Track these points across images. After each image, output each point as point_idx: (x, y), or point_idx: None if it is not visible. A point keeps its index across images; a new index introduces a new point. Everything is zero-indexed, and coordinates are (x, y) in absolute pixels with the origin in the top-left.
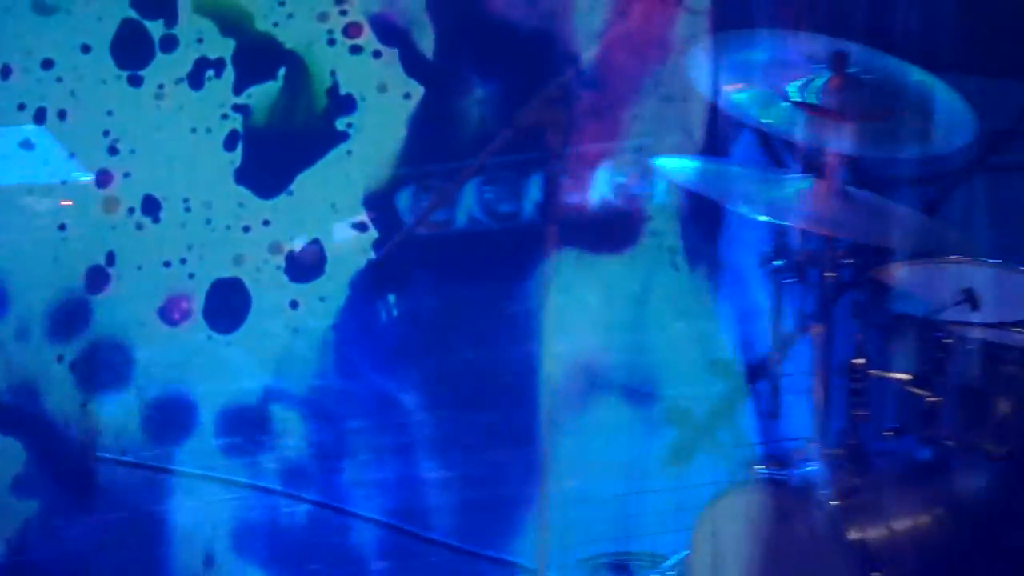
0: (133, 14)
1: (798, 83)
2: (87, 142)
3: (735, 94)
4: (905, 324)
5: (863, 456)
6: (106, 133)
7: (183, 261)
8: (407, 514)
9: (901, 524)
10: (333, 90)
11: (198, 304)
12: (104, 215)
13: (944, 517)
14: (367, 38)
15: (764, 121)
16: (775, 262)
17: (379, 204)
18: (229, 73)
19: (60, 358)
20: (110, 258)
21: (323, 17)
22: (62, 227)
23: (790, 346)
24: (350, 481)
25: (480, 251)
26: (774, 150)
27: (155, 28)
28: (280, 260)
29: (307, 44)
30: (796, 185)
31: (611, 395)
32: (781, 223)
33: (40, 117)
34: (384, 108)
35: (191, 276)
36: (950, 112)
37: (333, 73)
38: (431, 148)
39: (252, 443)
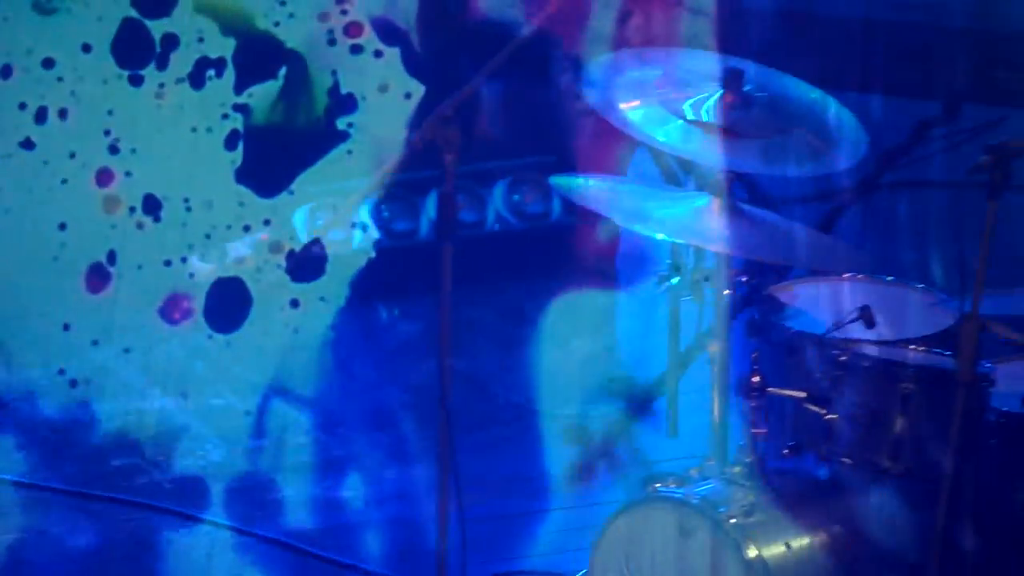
0: (134, 13)
1: (692, 101)
2: (88, 141)
3: (630, 112)
4: (802, 342)
5: (761, 474)
6: (107, 132)
7: (184, 260)
8: (306, 534)
9: (799, 541)
10: (334, 90)
11: (199, 304)
12: (105, 214)
13: (842, 534)
14: (368, 38)
15: (659, 138)
16: (671, 280)
17: (279, 221)
18: (230, 72)
19: None
20: (111, 257)
21: (324, 17)
22: (63, 226)
23: (687, 364)
24: (251, 500)
25: (378, 270)
26: (669, 168)
27: (156, 27)
28: (280, 259)
29: (308, 44)
30: (691, 203)
31: (510, 413)
32: (677, 241)
33: (41, 116)
34: (385, 108)
35: (191, 276)
36: (844, 130)
37: (334, 73)
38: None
39: (149, 463)
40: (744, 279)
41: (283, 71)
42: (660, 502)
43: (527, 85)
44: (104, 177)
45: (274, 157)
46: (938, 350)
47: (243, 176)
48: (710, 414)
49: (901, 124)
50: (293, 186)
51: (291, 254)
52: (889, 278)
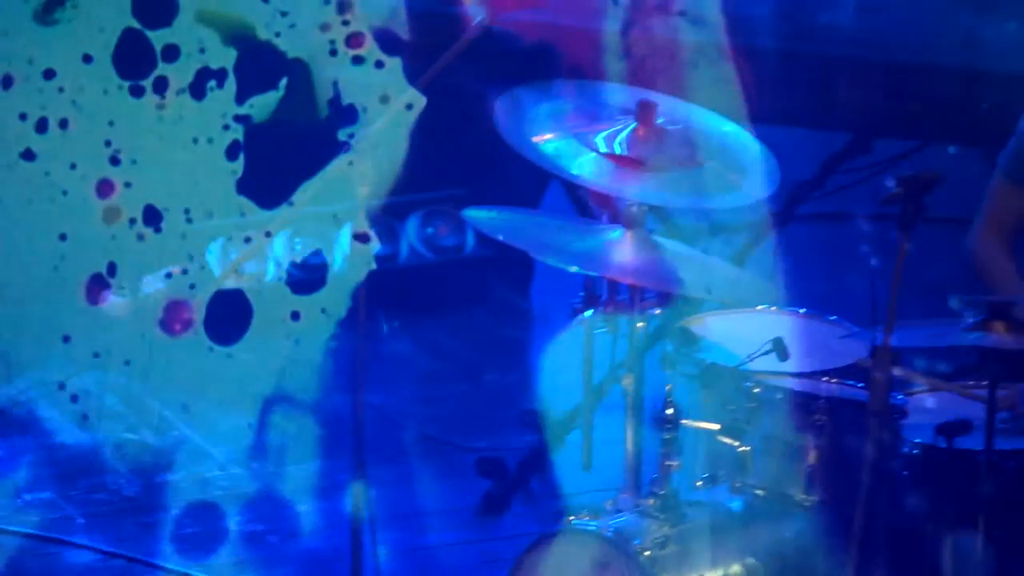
0: (135, 24)
1: (605, 133)
2: (89, 152)
3: (543, 144)
4: (715, 374)
5: (675, 506)
6: (108, 143)
7: (184, 271)
8: (219, 569)
9: (714, 574)
10: (335, 100)
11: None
12: (105, 225)
13: (756, 566)
14: (369, 48)
15: (572, 171)
16: (585, 312)
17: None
18: (231, 83)
19: None
20: (111, 268)
21: (325, 27)
22: (63, 237)
23: (601, 397)
24: (162, 535)
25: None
26: (582, 200)
27: (157, 38)
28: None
29: (309, 54)
30: (605, 235)
31: (424, 446)
32: (590, 273)
33: (42, 127)
34: (386, 119)
35: (192, 287)
36: (756, 162)
37: (335, 83)
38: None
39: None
40: (657, 311)
41: (284, 81)
42: (574, 535)
43: (441, 117)
44: (105, 188)
45: (275, 168)
46: (850, 382)
47: (244, 187)
48: (624, 446)
49: (813, 156)
50: (294, 197)
51: (291, 266)
52: (802, 310)
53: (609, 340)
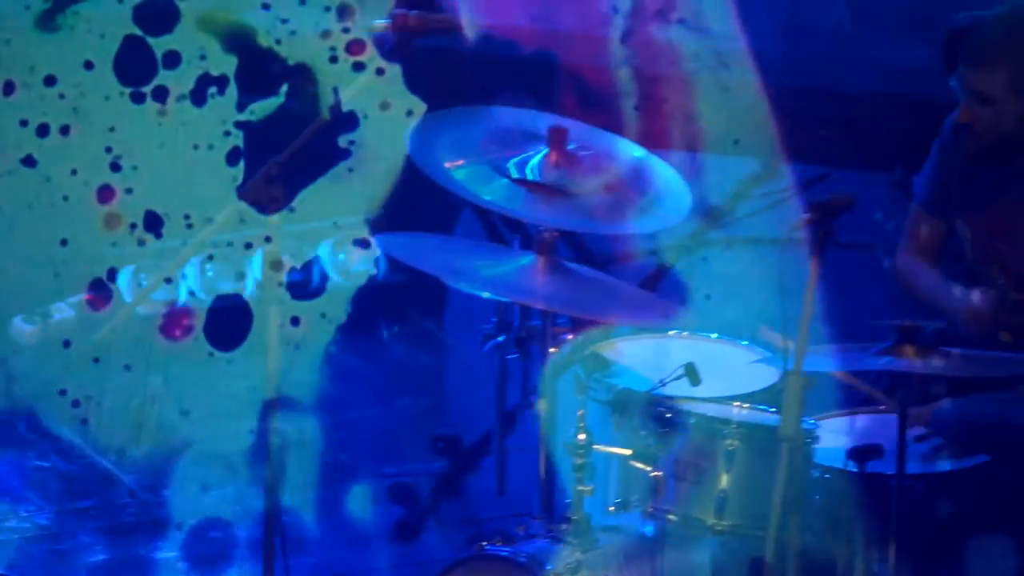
0: (136, 31)
1: (517, 159)
2: (90, 158)
3: (455, 170)
4: (627, 399)
5: (588, 531)
6: (108, 149)
7: (185, 277)
8: None
9: None
10: (335, 107)
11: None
12: (106, 231)
13: None
14: (370, 55)
15: (484, 197)
16: (497, 338)
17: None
18: (231, 90)
19: None
20: (111, 274)
21: (326, 35)
22: (64, 242)
23: (514, 422)
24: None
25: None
26: (494, 226)
27: (158, 45)
28: (281, 277)
29: (310, 61)
30: (516, 261)
31: (338, 472)
32: (503, 299)
33: (43, 133)
34: (386, 125)
35: (191, 293)
36: (669, 188)
37: (335, 90)
38: None
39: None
40: (570, 337)
41: (284, 88)
42: (487, 560)
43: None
44: (105, 194)
45: (275, 174)
46: (762, 406)
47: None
48: (537, 472)
49: (725, 182)
50: (294, 203)
51: (292, 271)
52: (714, 335)
53: (521, 366)
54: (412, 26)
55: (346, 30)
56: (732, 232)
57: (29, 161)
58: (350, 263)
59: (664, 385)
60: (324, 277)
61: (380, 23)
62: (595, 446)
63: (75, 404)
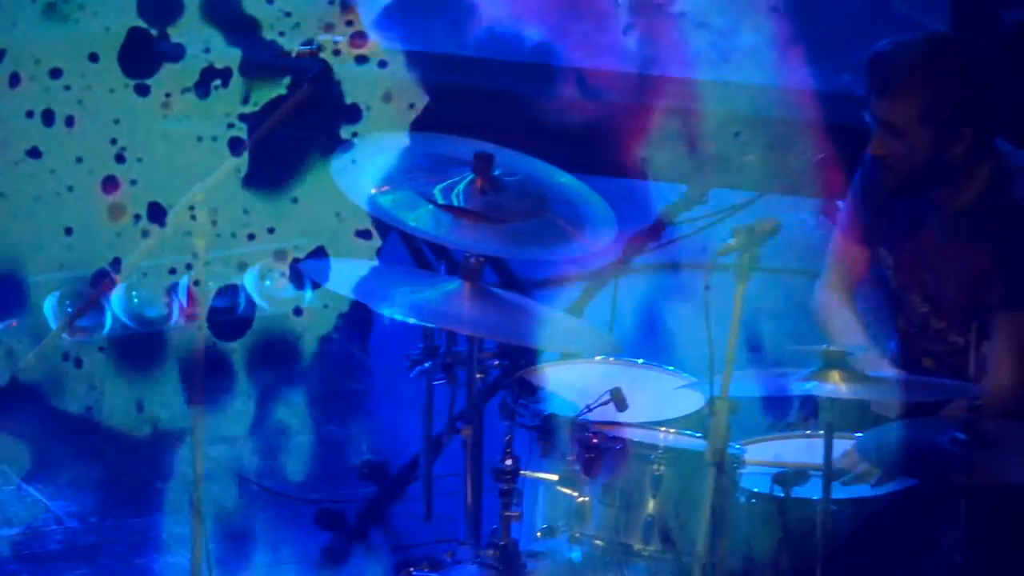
0: (141, 23)
1: (443, 185)
2: (94, 150)
3: (381, 196)
4: (554, 424)
5: (515, 557)
6: (113, 141)
7: (188, 267)
8: None
9: None
10: (338, 99)
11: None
12: (110, 221)
13: None
14: (373, 48)
15: (410, 223)
16: (424, 364)
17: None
18: (235, 82)
19: None
20: (115, 264)
21: (329, 27)
22: (68, 232)
23: (441, 448)
24: None
25: (127, 355)
26: (420, 252)
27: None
28: (284, 267)
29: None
30: (442, 287)
31: (263, 499)
32: (428, 325)
33: (48, 125)
34: (389, 117)
35: (196, 283)
36: (595, 213)
37: (338, 82)
38: None
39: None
40: (496, 362)
41: (287, 81)
42: None
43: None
44: (110, 185)
45: (279, 166)
46: (689, 431)
47: (248, 185)
48: (464, 497)
49: (651, 207)
50: (297, 194)
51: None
52: (640, 360)
53: (448, 391)
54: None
55: (349, 23)
56: (658, 257)
57: (34, 152)
58: (276, 290)
59: (591, 410)
60: (251, 305)
61: (304, 48)
62: (522, 472)
63: None
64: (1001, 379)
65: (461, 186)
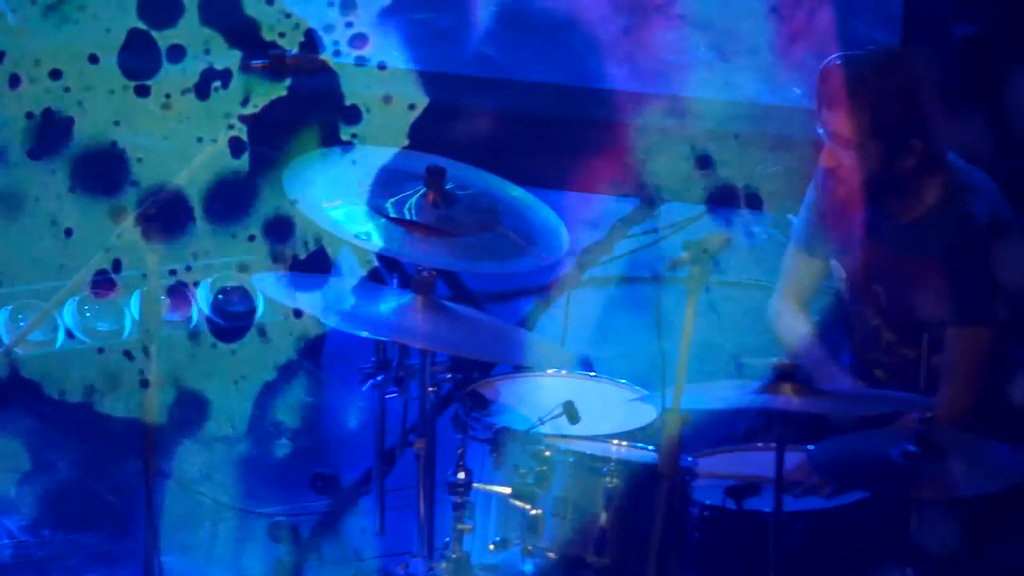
0: (141, 24)
1: (395, 199)
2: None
3: (332, 209)
4: (506, 438)
5: (467, 570)
6: (113, 142)
7: (188, 269)
8: None
9: None
10: (338, 100)
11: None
12: (111, 223)
13: None
14: (372, 49)
15: (362, 237)
16: (376, 377)
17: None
18: (235, 83)
19: None
20: (116, 265)
21: (329, 28)
22: (68, 233)
23: (394, 461)
24: None
25: (80, 369)
26: (372, 265)
27: (162, 38)
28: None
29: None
30: (395, 300)
31: (216, 513)
32: (381, 338)
33: (48, 126)
34: (389, 119)
35: (195, 284)
36: (546, 226)
37: (338, 84)
38: None
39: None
40: (448, 376)
41: (288, 82)
42: None
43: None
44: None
45: (278, 167)
46: (641, 444)
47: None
48: (417, 510)
49: (602, 221)
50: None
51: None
52: (592, 373)
53: (400, 404)
54: (288, 66)
55: (349, 24)
56: (609, 270)
57: (35, 153)
58: (229, 304)
59: (543, 423)
60: (204, 318)
61: (256, 63)
62: (475, 484)
63: None
64: (952, 392)
65: (413, 200)
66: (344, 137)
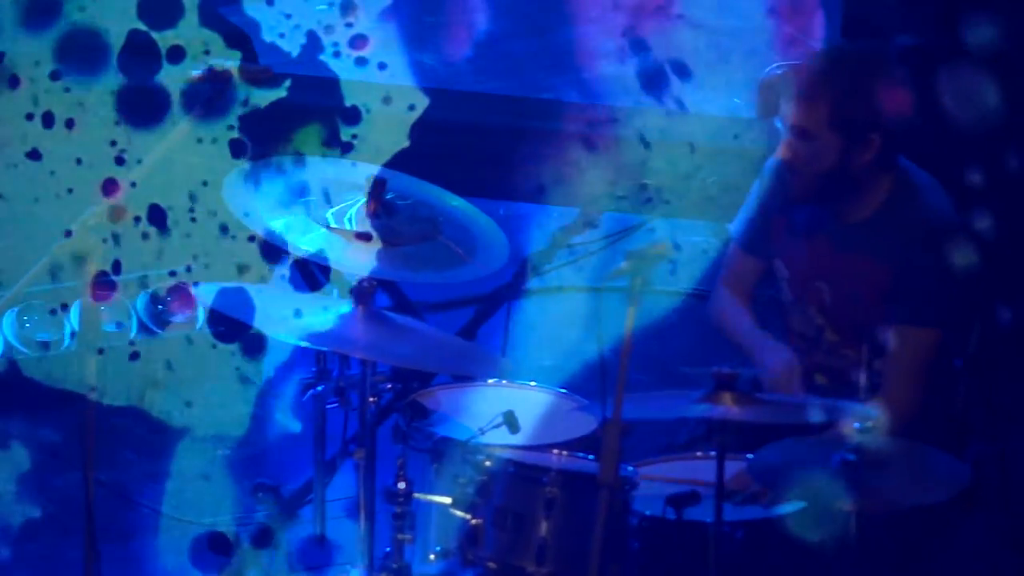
0: (141, 25)
1: (335, 209)
2: (94, 152)
3: (272, 219)
4: (446, 448)
5: None
6: (113, 143)
7: (188, 270)
8: None
9: None
10: (338, 101)
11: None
12: (110, 224)
13: None
14: (372, 50)
15: (302, 247)
16: (316, 387)
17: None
18: (236, 84)
19: None
20: (115, 266)
21: (329, 29)
22: (68, 235)
23: (334, 471)
24: None
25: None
26: (312, 275)
27: (163, 39)
28: (284, 269)
29: (312, 56)
30: (335, 310)
31: (156, 523)
32: (321, 348)
33: (48, 126)
34: (389, 120)
35: (195, 285)
36: (486, 237)
37: (339, 84)
38: None
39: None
40: (389, 386)
41: (288, 83)
42: None
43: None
44: (110, 187)
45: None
46: (581, 454)
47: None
48: (357, 521)
49: (543, 231)
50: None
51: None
52: (532, 383)
53: (341, 414)
54: (232, 77)
55: (349, 25)
56: (550, 280)
57: (34, 154)
58: (168, 313)
59: (483, 433)
60: (143, 328)
61: (196, 74)
62: (415, 494)
63: None
64: (896, 392)
65: (353, 209)
66: (344, 138)
